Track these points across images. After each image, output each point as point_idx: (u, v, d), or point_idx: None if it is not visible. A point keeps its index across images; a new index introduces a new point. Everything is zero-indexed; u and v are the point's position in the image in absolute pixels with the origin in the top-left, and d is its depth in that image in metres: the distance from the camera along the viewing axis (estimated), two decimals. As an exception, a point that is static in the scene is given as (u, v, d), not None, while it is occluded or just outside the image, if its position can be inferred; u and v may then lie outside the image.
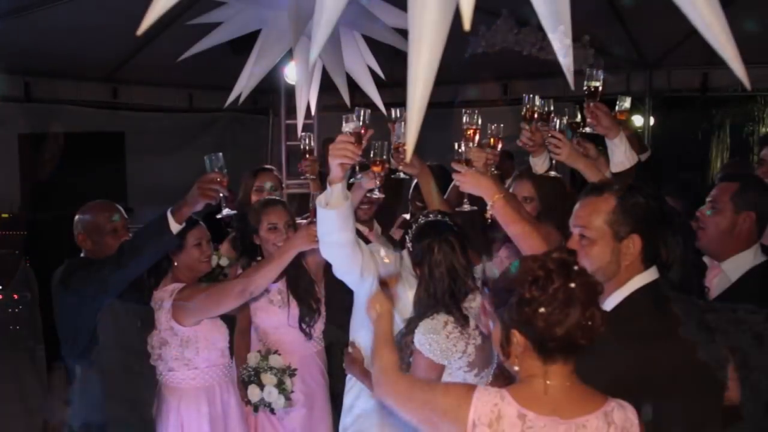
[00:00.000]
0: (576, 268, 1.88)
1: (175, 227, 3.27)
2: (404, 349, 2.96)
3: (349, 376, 3.47)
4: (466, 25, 1.03)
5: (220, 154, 3.33)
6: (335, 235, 2.90)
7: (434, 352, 2.87)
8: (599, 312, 1.86)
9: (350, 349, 3.36)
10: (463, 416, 1.91)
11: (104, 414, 3.47)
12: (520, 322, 1.87)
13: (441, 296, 2.99)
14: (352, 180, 2.93)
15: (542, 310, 1.82)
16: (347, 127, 2.95)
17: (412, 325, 2.99)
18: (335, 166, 2.90)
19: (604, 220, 2.20)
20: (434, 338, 2.87)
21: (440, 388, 2.08)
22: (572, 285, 1.83)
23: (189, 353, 3.68)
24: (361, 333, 3.34)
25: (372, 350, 2.41)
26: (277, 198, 4.37)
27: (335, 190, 2.92)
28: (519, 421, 1.86)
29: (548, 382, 1.88)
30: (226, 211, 3.42)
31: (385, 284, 2.74)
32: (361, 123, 3.29)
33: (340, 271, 3.15)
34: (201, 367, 3.72)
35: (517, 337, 1.89)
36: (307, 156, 4.37)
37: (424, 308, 3.00)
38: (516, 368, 1.93)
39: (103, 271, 3.32)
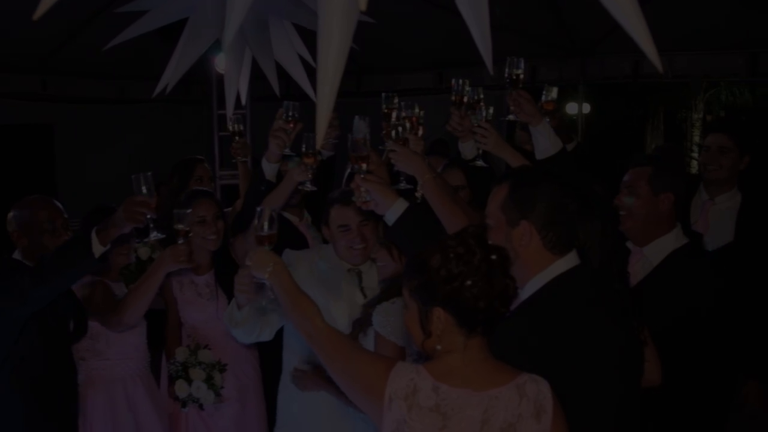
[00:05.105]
0: (490, 241, 1.97)
1: (98, 249, 3.07)
2: (361, 331, 2.99)
3: (288, 371, 3.44)
4: (362, 5, 1.02)
5: (149, 173, 3.14)
6: (253, 336, 3.02)
7: (395, 334, 2.85)
8: (512, 282, 1.95)
9: (304, 368, 3.26)
10: (380, 391, 1.95)
11: (21, 427, 3.30)
12: (444, 299, 1.91)
13: None
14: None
15: (468, 282, 1.88)
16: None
17: (370, 307, 2.97)
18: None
19: (498, 207, 2.25)
20: (394, 321, 2.86)
21: (362, 360, 2.08)
22: (493, 257, 1.91)
23: (100, 346, 3.71)
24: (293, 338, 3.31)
25: (289, 305, 2.39)
26: (205, 189, 4.31)
27: (244, 312, 2.89)
28: (433, 393, 1.91)
29: (465, 355, 1.94)
30: (153, 235, 3.24)
31: (262, 242, 2.71)
32: (290, 117, 3.29)
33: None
34: (113, 359, 3.75)
35: (439, 314, 1.92)
36: (237, 138, 4.32)
37: (388, 288, 2.97)
38: (438, 347, 1.95)
39: (24, 282, 3.08)
